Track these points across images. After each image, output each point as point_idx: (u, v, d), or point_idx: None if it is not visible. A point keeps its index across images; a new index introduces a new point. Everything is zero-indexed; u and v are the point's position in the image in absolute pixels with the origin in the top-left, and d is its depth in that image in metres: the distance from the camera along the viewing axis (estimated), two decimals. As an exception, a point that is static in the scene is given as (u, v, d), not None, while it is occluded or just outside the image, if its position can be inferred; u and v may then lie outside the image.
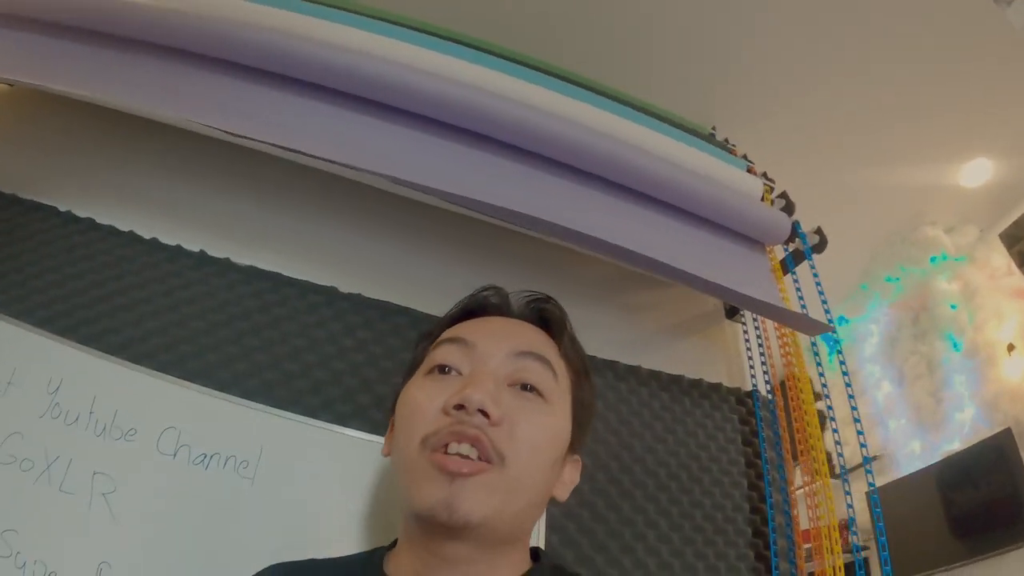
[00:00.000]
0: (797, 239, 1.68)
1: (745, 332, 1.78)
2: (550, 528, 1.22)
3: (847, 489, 1.36)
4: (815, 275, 1.62)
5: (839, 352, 1.56)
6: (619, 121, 1.61)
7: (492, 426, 0.67)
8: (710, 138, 2.19)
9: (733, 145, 2.16)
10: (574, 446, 0.78)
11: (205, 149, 1.55)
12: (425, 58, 1.48)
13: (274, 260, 1.43)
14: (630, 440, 1.43)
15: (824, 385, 1.54)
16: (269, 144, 1.35)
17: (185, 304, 1.32)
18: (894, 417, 3.57)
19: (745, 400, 1.61)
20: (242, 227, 1.50)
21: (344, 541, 1.03)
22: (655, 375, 1.56)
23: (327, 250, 1.52)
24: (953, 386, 3.26)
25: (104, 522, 0.98)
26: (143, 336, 1.26)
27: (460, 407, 0.67)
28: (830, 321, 1.50)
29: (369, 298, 1.41)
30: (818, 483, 1.43)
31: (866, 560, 2.64)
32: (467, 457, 0.65)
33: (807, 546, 1.44)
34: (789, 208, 1.74)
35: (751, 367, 1.70)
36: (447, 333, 0.79)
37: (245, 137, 1.36)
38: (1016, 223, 3.22)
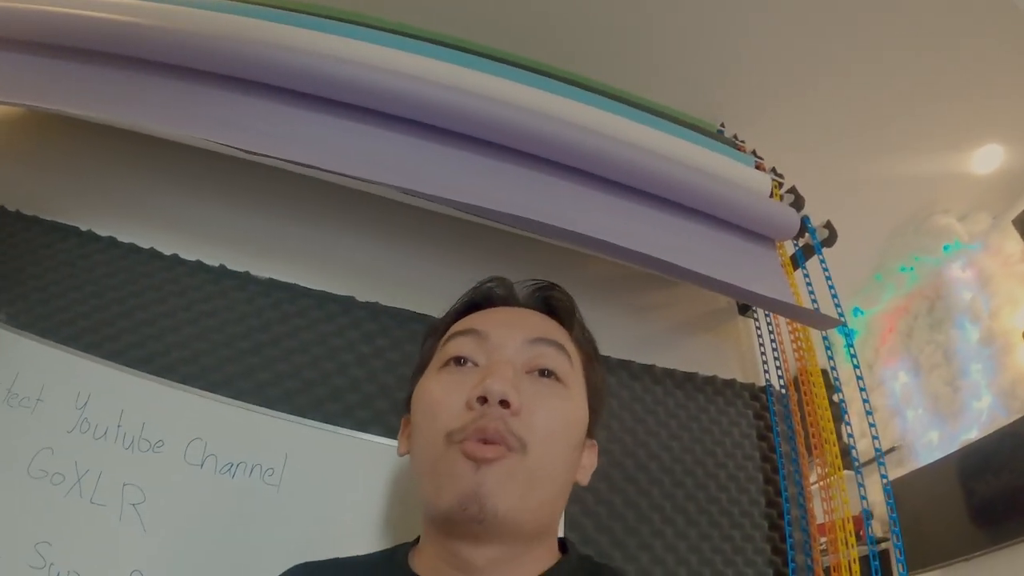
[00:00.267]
0: (807, 234, 1.69)
1: (758, 327, 1.79)
2: (568, 527, 1.23)
3: (860, 482, 1.38)
4: (825, 269, 1.63)
5: (849, 337, 1.56)
6: (626, 123, 1.62)
7: (513, 415, 0.66)
8: (718, 135, 2.20)
9: (742, 141, 2.17)
10: (591, 430, 0.78)
11: (220, 165, 1.58)
12: (431, 68, 1.50)
13: (292, 272, 1.46)
14: (646, 438, 1.45)
15: (835, 379, 1.55)
16: (284, 160, 1.38)
17: (206, 317, 1.36)
18: (911, 407, 3.56)
19: (759, 395, 1.63)
20: (260, 241, 1.54)
21: (369, 542, 1.05)
22: (669, 373, 1.57)
23: (343, 260, 1.55)
24: (970, 375, 3.24)
25: (135, 532, 1.01)
26: (166, 350, 1.29)
27: (483, 400, 0.66)
28: (841, 315, 1.51)
29: (386, 306, 1.44)
30: (832, 477, 1.43)
31: (886, 551, 2.63)
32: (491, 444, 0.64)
33: (824, 540, 1.45)
34: (798, 203, 1.75)
35: (764, 362, 1.71)
36: (457, 326, 0.79)
37: (260, 154, 1.38)
38: (1029, 209, 3.20)
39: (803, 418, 1.57)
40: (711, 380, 1.60)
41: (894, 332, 3.78)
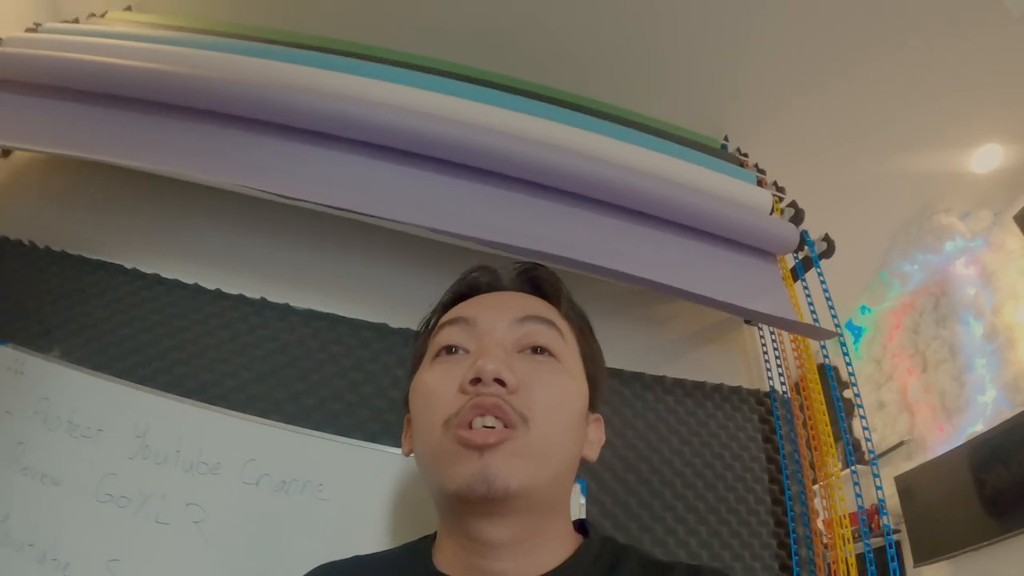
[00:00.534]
0: (806, 247, 1.77)
1: (761, 335, 1.86)
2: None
3: (855, 480, 1.47)
4: (823, 282, 1.72)
5: (843, 346, 1.64)
6: (631, 149, 1.72)
7: (510, 394, 0.65)
8: (721, 151, 2.27)
9: (744, 154, 2.24)
10: (593, 403, 0.78)
11: (256, 204, 1.65)
12: (450, 106, 1.61)
13: (329, 302, 1.55)
14: (659, 445, 1.53)
15: (832, 377, 1.63)
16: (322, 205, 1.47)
17: (251, 348, 1.45)
18: (919, 402, 3.62)
19: (764, 400, 1.69)
20: (298, 274, 1.63)
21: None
22: (679, 383, 1.65)
23: (377, 290, 1.63)
24: (975, 369, 3.29)
25: (198, 547, 1.11)
26: (216, 379, 1.39)
27: (477, 381, 0.66)
28: (837, 325, 1.60)
29: (418, 331, 1.53)
30: (833, 476, 1.52)
31: (898, 543, 2.69)
32: (491, 428, 0.64)
33: (827, 536, 1.53)
34: (798, 217, 1.83)
35: (768, 369, 1.78)
36: (444, 317, 0.78)
37: (298, 200, 1.47)
38: (1030, 205, 3.24)
39: (804, 420, 1.65)
40: (718, 388, 1.67)
41: (901, 328, 3.84)
